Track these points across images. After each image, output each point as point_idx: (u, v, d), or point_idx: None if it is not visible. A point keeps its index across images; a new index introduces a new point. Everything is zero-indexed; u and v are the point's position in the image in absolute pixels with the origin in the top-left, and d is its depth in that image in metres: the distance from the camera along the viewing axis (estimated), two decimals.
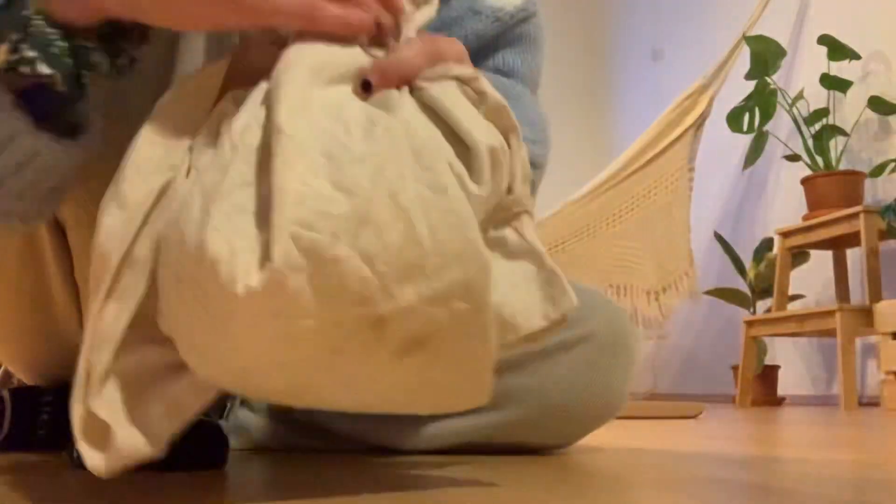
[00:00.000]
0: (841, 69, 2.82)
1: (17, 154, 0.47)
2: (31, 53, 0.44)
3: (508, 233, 0.48)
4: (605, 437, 1.01)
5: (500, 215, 0.48)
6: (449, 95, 0.46)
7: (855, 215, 2.46)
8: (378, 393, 0.43)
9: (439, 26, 0.74)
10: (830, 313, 2.45)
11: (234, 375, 0.41)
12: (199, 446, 0.59)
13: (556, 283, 0.48)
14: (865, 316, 2.39)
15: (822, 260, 2.90)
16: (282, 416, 0.76)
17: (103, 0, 0.44)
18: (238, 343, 0.39)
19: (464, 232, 0.41)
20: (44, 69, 0.45)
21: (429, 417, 0.71)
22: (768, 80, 2.89)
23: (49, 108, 0.48)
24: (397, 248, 0.39)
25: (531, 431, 0.71)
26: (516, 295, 0.47)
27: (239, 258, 0.37)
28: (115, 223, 0.42)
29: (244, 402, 0.75)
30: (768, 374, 3.00)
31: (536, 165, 0.69)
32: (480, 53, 0.75)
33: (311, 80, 0.42)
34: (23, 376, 0.84)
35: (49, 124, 0.48)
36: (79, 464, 0.58)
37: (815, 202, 2.69)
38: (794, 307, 2.89)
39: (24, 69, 0.44)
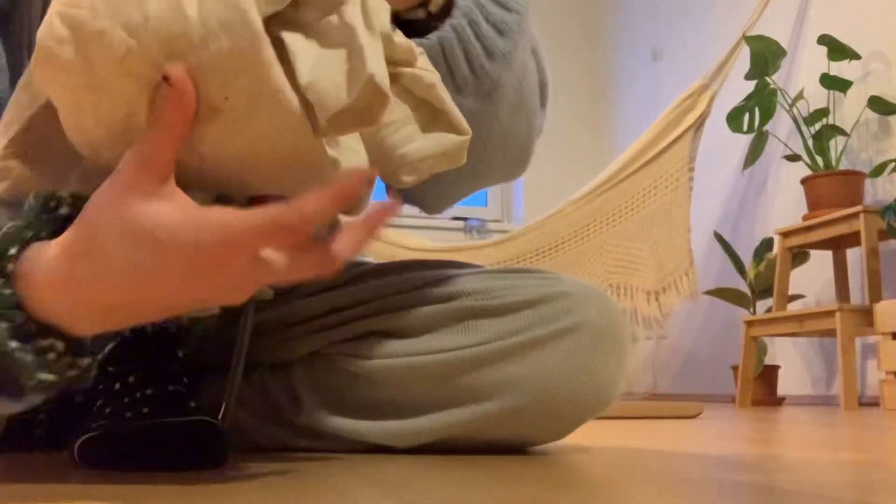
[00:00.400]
0: (841, 69, 2.82)
1: None
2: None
3: (332, 18, 0.48)
4: (605, 437, 1.01)
5: (326, 2, 0.48)
6: None
7: (855, 215, 2.46)
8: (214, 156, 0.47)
9: None
10: (830, 313, 2.45)
11: (76, 137, 0.48)
12: (199, 446, 0.59)
13: (356, 56, 0.47)
14: (865, 316, 2.39)
15: (822, 260, 2.90)
16: (275, 417, 0.76)
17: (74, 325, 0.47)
18: (57, 102, 0.47)
19: (234, 2, 0.43)
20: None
21: (415, 412, 0.70)
22: (768, 80, 2.89)
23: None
24: (161, 19, 0.43)
25: (521, 423, 0.70)
26: (326, 76, 0.47)
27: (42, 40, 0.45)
28: None
29: (240, 403, 0.75)
30: (768, 374, 3.00)
31: (508, 8, 0.67)
32: None
33: None
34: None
35: None
36: (79, 463, 0.59)
37: (815, 202, 2.69)
38: (794, 307, 2.89)
39: None
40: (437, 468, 0.61)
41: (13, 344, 0.46)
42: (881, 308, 2.27)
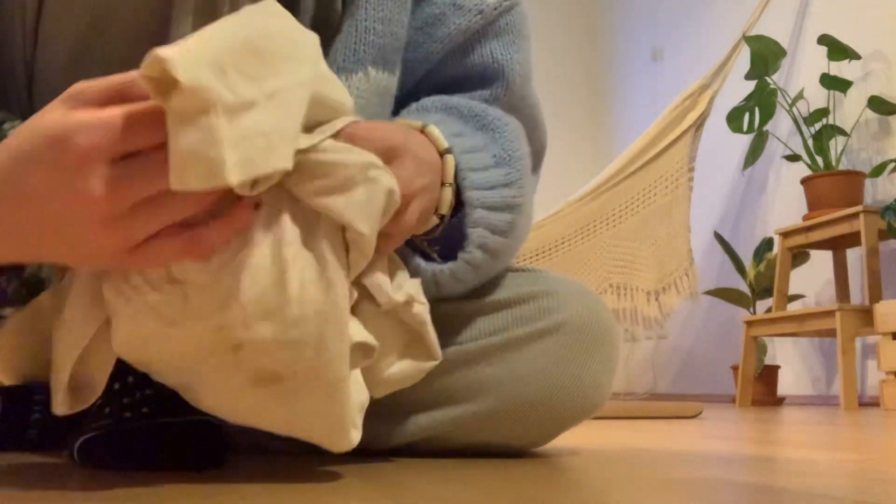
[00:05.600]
0: (841, 69, 2.82)
1: None
2: None
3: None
4: (605, 437, 1.01)
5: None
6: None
7: (855, 215, 2.47)
8: (245, 410, 0.51)
9: (422, 24, 0.73)
10: (830, 313, 2.45)
11: (137, 362, 0.50)
12: (198, 446, 0.59)
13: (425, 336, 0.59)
14: (865, 316, 2.40)
15: (822, 260, 2.90)
16: None
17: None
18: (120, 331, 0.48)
19: (334, 298, 0.48)
20: None
21: (389, 414, 0.70)
22: (768, 80, 2.89)
23: None
24: (262, 287, 0.46)
25: (498, 427, 0.69)
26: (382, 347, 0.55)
27: None
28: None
29: None
30: (768, 374, 3.00)
31: (511, 207, 0.68)
32: (467, 48, 0.74)
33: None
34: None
35: None
36: (79, 463, 0.59)
37: (815, 202, 2.69)
38: (794, 307, 2.90)
39: None
40: (436, 468, 0.61)
41: None
42: (881, 308, 2.27)
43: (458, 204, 0.66)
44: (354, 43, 0.67)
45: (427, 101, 0.71)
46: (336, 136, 0.51)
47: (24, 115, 0.64)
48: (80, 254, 0.45)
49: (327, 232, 0.49)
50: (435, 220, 0.63)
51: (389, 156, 0.55)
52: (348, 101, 0.53)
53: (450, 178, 0.63)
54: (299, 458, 0.69)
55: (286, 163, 0.44)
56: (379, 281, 0.55)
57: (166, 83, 0.40)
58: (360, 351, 0.53)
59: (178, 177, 0.41)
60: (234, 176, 0.41)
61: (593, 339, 0.69)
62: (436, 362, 0.60)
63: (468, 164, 0.65)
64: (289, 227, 0.48)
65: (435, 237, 0.66)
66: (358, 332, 0.52)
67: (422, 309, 0.59)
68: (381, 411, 0.70)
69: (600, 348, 0.69)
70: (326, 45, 0.67)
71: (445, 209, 0.63)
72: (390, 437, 0.70)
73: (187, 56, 0.40)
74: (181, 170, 0.41)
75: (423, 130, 0.63)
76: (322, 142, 0.49)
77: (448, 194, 0.63)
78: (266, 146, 0.43)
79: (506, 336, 0.68)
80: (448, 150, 0.63)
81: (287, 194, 0.48)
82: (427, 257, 0.67)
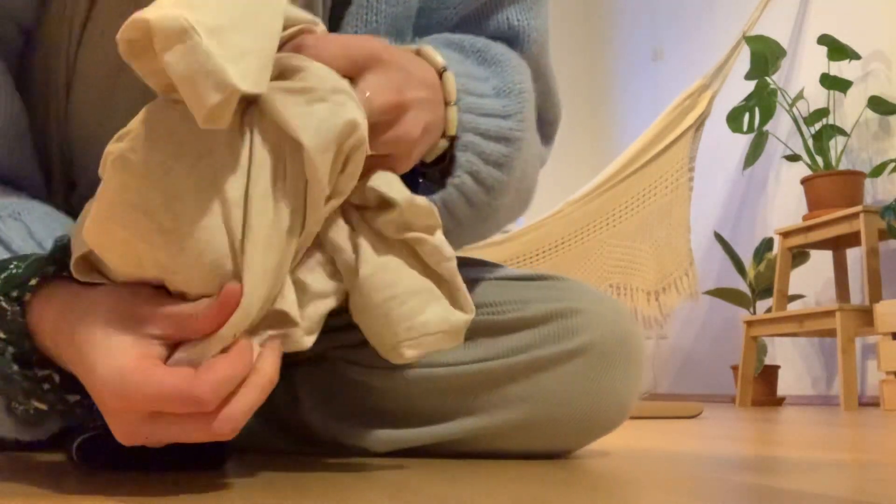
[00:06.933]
0: (841, 69, 2.82)
1: None
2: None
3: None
4: (605, 437, 1.01)
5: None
6: None
7: (855, 215, 2.46)
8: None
9: None
10: (830, 313, 2.45)
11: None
12: (197, 446, 0.59)
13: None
14: (865, 316, 2.40)
15: (822, 260, 2.90)
16: (268, 413, 0.75)
17: (61, 355, 0.49)
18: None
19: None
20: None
21: (409, 423, 0.69)
22: (768, 80, 2.89)
23: None
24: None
25: (520, 438, 0.68)
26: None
27: None
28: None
29: None
30: (768, 374, 3.00)
31: (507, 139, 0.64)
32: (482, 14, 0.71)
33: None
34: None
35: None
36: (78, 461, 0.58)
37: (815, 202, 2.69)
38: (794, 307, 2.89)
39: None
40: (438, 469, 0.61)
41: (16, 367, 0.50)
42: (881, 308, 2.27)
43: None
44: (367, 14, 0.65)
45: (426, 38, 0.68)
46: (282, 46, 0.49)
47: (60, 116, 0.64)
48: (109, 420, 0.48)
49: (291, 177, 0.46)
50: (444, 144, 0.60)
51: (369, 63, 0.51)
52: (321, 23, 0.52)
53: (453, 95, 0.59)
54: (299, 458, 0.69)
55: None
56: (390, 179, 0.51)
57: (149, 47, 0.41)
58: (277, 317, 0.49)
59: (195, 105, 0.40)
60: (244, 84, 0.40)
61: (621, 359, 0.67)
62: (469, 317, 0.55)
63: (464, 87, 0.61)
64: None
65: (443, 168, 0.62)
66: (289, 302, 0.49)
67: (446, 244, 0.54)
68: (401, 418, 0.69)
69: (627, 367, 0.68)
70: (338, 17, 0.65)
71: (454, 129, 0.60)
72: (409, 443, 0.69)
73: (156, 5, 0.40)
74: (194, 96, 0.40)
75: (418, 52, 0.60)
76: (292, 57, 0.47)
77: (454, 113, 0.59)
78: (258, 66, 0.42)
79: (533, 355, 0.66)
80: (446, 69, 0.60)
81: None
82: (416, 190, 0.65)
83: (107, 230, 0.44)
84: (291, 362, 0.76)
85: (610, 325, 0.68)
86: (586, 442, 0.71)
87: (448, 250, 0.54)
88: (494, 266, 0.76)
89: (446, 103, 0.59)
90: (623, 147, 2.97)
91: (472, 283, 0.71)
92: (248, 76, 0.41)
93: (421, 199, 0.52)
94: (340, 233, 0.52)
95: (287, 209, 0.46)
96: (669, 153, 2.77)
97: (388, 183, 0.51)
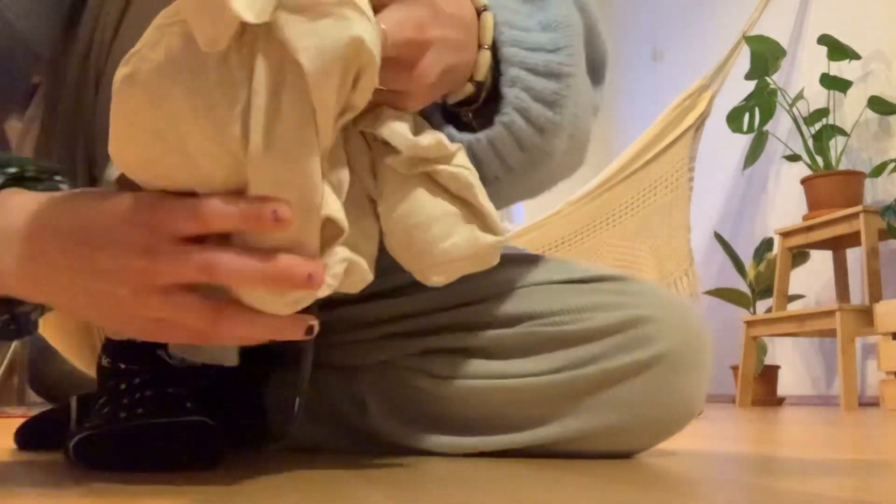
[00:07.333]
0: (841, 69, 2.82)
1: None
2: None
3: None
4: None
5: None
6: None
7: (855, 215, 2.47)
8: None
9: None
10: (830, 313, 2.45)
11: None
12: (189, 446, 0.59)
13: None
14: (865, 316, 2.40)
15: (822, 260, 2.90)
16: (331, 419, 0.73)
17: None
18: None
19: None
20: None
21: (479, 431, 0.68)
22: (768, 80, 2.89)
23: None
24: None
25: (580, 444, 0.67)
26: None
27: None
28: None
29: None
30: (768, 374, 3.00)
31: (557, 74, 0.61)
32: None
33: None
34: None
35: None
36: (75, 461, 0.59)
37: (815, 202, 2.69)
38: (794, 307, 2.90)
39: None
40: (439, 468, 0.61)
41: None
42: (881, 308, 2.27)
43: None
44: None
45: None
46: None
47: (88, 113, 0.63)
48: (114, 321, 0.46)
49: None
50: (470, 88, 0.57)
51: None
52: None
53: (488, 39, 0.56)
54: (299, 458, 0.68)
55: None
56: (394, 128, 0.50)
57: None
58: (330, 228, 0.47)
59: (198, 30, 0.40)
60: (248, 15, 0.40)
61: (692, 366, 0.66)
62: (499, 238, 0.54)
63: (507, 21, 0.57)
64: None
65: (476, 109, 0.60)
66: (333, 206, 0.46)
67: (463, 170, 0.53)
68: (471, 427, 0.68)
69: (697, 372, 0.67)
70: None
71: (481, 75, 0.57)
72: (478, 450, 0.68)
73: None
74: (198, 22, 0.40)
75: None
76: None
77: (486, 57, 0.56)
78: None
79: (604, 366, 0.65)
80: (486, 8, 0.56)
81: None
82: (464, 129, 0.61)
83: (128, 153, 0.45)
84: (353, 368, 0.74)
85: (681, 334, 0.66)
86: (650, 445, 0.69)
87: (465, 176, 0.53)
88: (550, 263, 0.73)
89: (480, 46, 0.56)
90: (623, 147, 2.97)
91: (535, 290, 0.69)
92: (254, 5, 0.40)
93: (427, 139, 0.51)
94: (363, 162, 0.52)
95: (294, 122, 0.44)
96: (669, 153, 2.77)
97: (390, 128, 0.50)
